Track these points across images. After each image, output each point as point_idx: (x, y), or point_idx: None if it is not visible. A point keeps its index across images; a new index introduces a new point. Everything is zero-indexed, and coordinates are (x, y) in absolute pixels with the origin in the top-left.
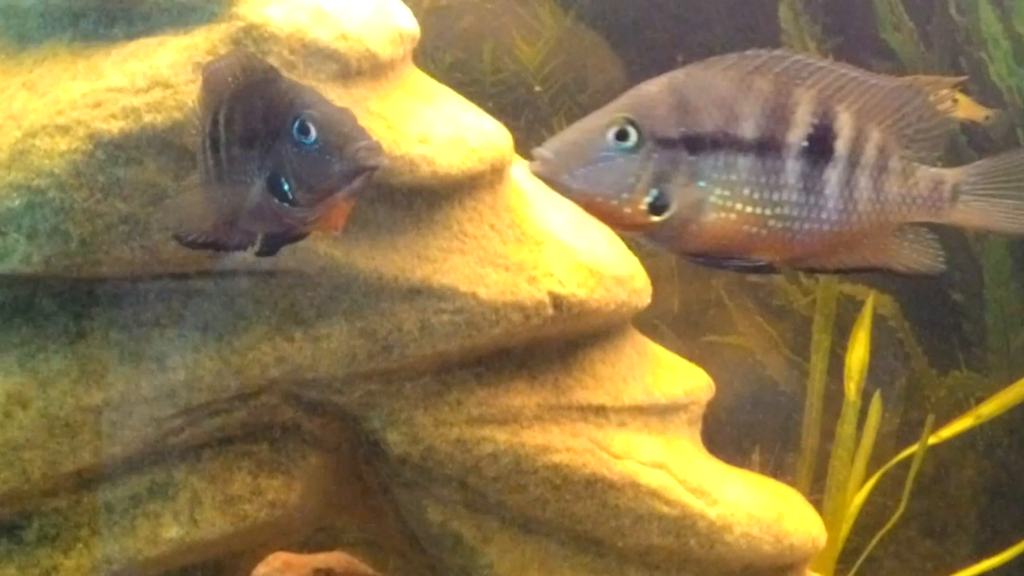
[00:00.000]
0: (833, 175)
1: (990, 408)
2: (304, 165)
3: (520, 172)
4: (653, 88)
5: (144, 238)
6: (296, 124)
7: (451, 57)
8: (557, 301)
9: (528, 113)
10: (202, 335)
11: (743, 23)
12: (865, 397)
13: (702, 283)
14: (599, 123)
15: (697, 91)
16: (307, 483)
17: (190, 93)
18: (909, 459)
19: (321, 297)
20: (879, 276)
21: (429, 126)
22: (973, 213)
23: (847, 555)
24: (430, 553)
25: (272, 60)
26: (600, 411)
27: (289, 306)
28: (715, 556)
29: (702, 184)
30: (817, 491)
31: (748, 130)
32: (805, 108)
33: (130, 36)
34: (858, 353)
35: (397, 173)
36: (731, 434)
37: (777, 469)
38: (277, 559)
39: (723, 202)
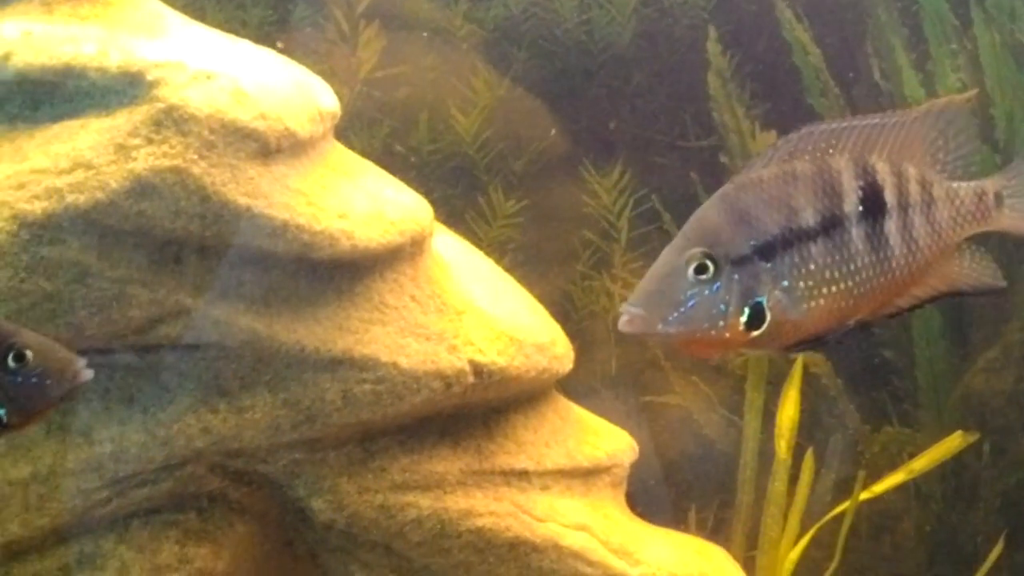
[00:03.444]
0: (891, 225)
1: (921, 463)
2: (21, 391)
3: (443, 242)
4: (711, 212)
5: (69, 315)
6: (10, 353)
7: (388, 127)
8: (477, 369)
9: (465, 181)
10: (128, 408)
11: (672, 90)
12: (800, 454)
13: (639, 345)
14: (675, 264)
15: (750, 200)
16: (235, 551)
17: (112, 174)
18: (844, 514)
19: (244, 369)
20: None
21: (349, 201)
22: (1020, 215)
23: None
24: None
25: (192, 140)
26: (523, 475)
27: (213, 378)
28: None
29: (786, 284)
30: (753, 548)
31: (809, 218)
32: (848, 175)
33: (54, 119)
34: (788, 411)
35: (317, 248)
36: (669, 493)
37: (715, 528)
38: None
39: (809, 292)
